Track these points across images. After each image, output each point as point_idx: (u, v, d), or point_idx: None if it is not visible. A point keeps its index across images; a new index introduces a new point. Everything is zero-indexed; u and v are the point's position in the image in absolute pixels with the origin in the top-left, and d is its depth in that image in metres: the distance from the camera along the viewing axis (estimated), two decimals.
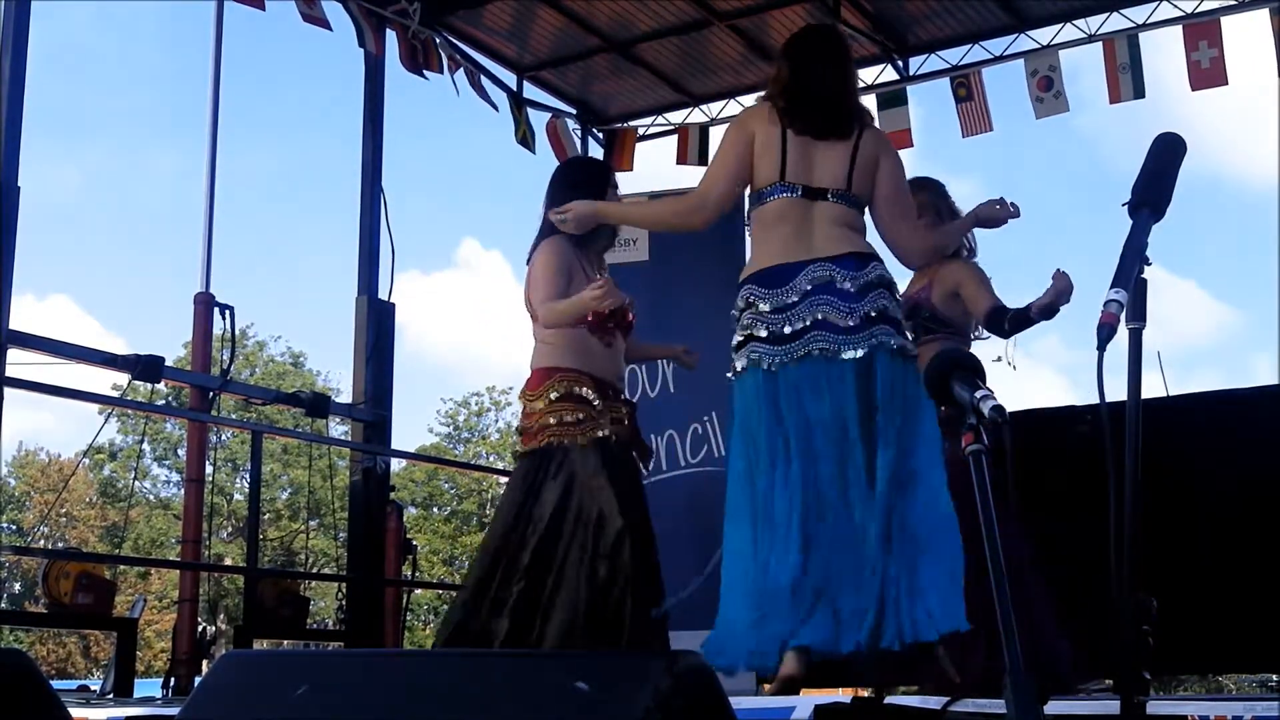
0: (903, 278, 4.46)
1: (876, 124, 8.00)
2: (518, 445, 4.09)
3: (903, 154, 7.51)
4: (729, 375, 3.38)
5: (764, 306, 3.29)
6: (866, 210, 3.48)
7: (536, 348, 4.05)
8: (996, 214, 3.83)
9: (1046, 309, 3.86)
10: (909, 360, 3.33)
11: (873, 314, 3.27)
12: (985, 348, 4.31)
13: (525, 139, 7.79)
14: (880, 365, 3.25)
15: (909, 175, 4.17)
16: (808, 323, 3.25)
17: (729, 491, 3.35)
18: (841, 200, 3.37)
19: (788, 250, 3.32)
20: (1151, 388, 3.79)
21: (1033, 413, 5.28)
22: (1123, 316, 1.89)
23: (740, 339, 3.35)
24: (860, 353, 3.23)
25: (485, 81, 7.56)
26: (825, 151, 3.38)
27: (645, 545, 3.87)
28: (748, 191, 3.48)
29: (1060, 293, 3.84)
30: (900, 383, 3.26)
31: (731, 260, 6.42)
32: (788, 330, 3.25)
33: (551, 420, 3.89)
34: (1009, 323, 3.99)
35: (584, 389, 3.92)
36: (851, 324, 3.25)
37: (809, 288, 3.27)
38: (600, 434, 3.89)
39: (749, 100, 7.95)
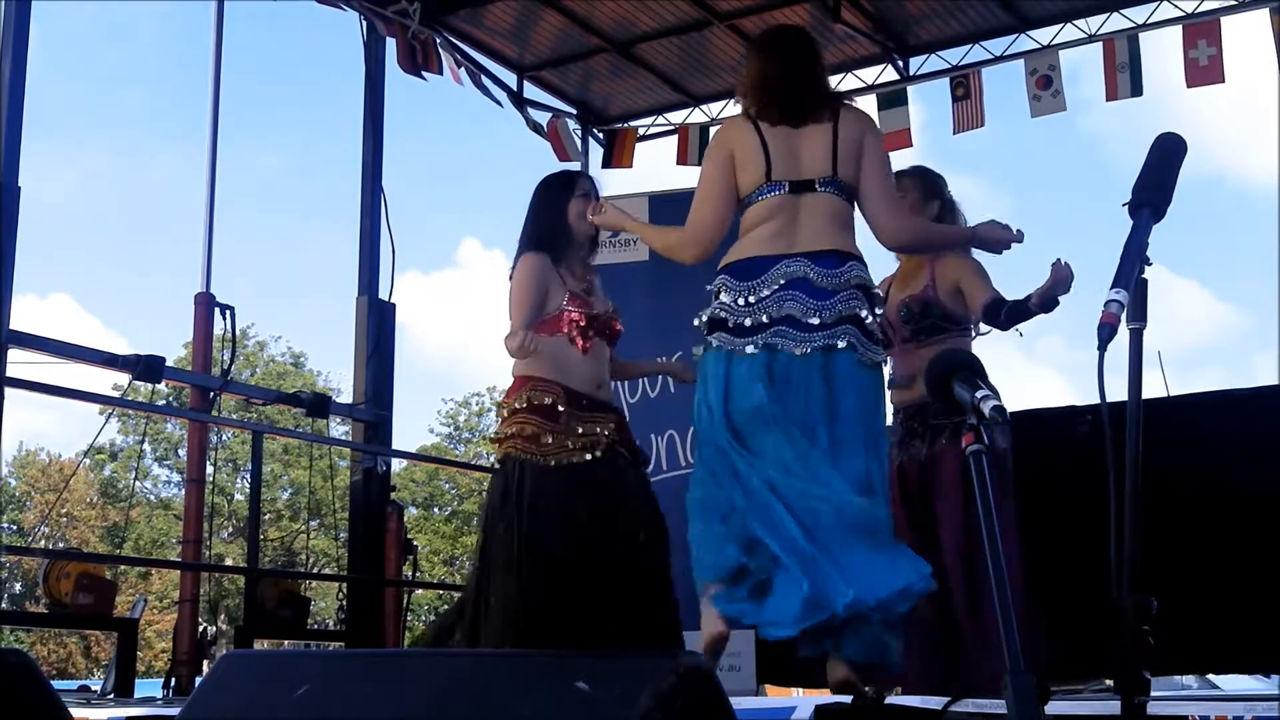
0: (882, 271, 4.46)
1: (877, 124, 8.03)
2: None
3: (902, 154, 7.41)
4: (695, 352, 3.41)
5: (727, 298, 3.31)
6: (855, 202, 3.47)
7: None
8: (999, 236, 3.66)
9: (1045, 299, 3.79)
10: (870, 367, 3.31)
11: (842, 314, 3.26)
12: None
13: (537, 127, 7.88)
14: (840, 366, 3.25)
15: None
16: (773, 317, 3.25)
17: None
18: (829, 188, 3.36)
19: (770, 244, 3.32)
20: (1152, 388, 3.78)
21: (1033, 413, 5.26)
22: (1123, 317, 1.89)
23: (707, 322, 3.35)
24: (815, 349, 3.23)
25: (485, 81, 7.58)
26: (807, 140, 3.37)
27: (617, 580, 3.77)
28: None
29: (1058, 283, 3.76)
30: (856, 386, 3.26)
31: None
32: (749, 323, 3.26)
33: (510, 430, 3.83)
34: (1006, 315, 3.93)
35: (553, 399, 3.83)
36: (815, 322, 3.24)
37: (781, 283, 3.27)
38: (568, 459, 3.79)
39: None
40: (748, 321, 3.27)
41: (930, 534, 3.94)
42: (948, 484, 3.92)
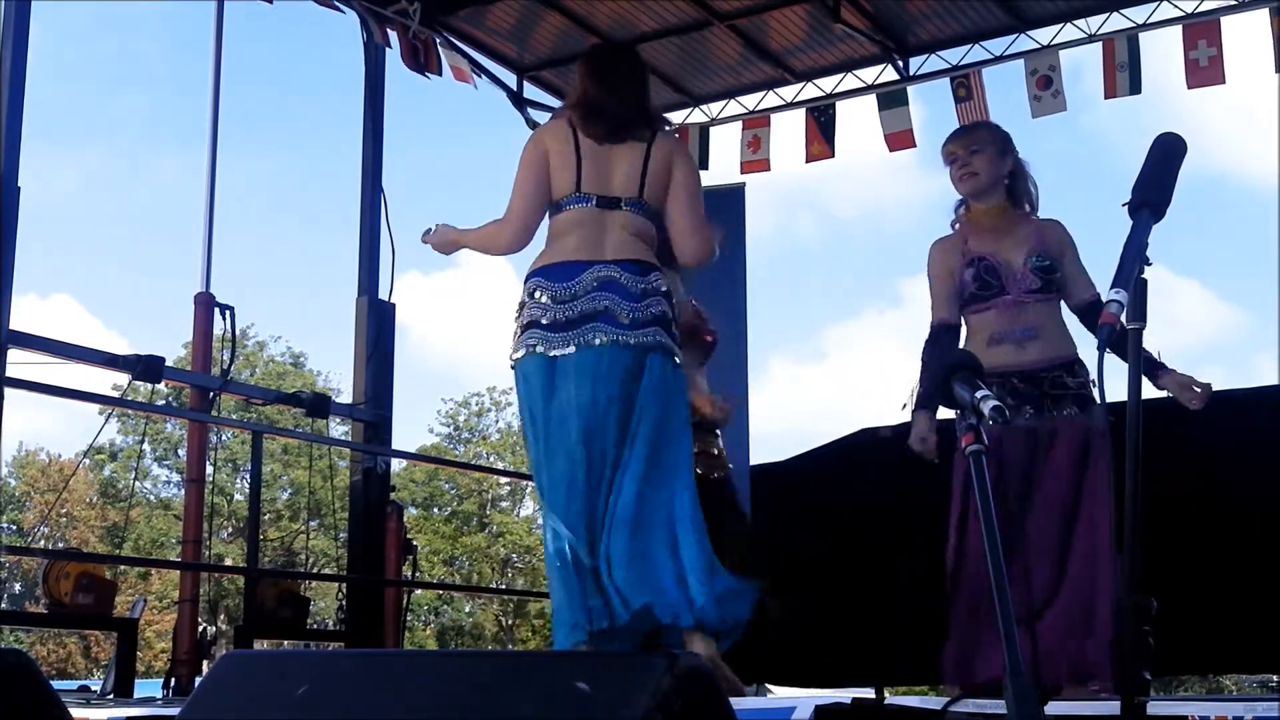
0: None
1: (878, 126, 8.01)
2: None
3: (904, 154, 7.39)
4: (510, 362, 3.53)
5: (546, 298, 3.46)
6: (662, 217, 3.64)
7: None
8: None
9: (1164, 385, 3.74)
10: (677, 366, 3.52)
11: (652, 315, 3.46)
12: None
13: (535, 125, 7.90)
14: (652, 362, 3.44)
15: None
16: (590, 310, 3.42)
17: (535, 480, 3.57)
18: (633, 208, 3.54)
19: (579, 251, 3.50)
20: (1152, 388, 3.75)
21: None
22: (1123, 316, 1.90)
23: (521, 326, 3.50)
24: (634, 342, 3.42)
25: (486, 81, 7.59)
26: (619, 160, 3.53)
27: None
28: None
29: (1187, 394, 3.72)
30: (666, 384, 3.46)
31: (734, 255, 6.44)
32: (564, 318, 3.43)
33: None
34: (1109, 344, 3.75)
35: None
36: (626, 321, 3.43)
37: (595, 284, 3.44)
38: None
39: (749, 100, 7.97)
40: (563, 316, 3.43)
41: (1019, 509, 3.70)
42: (1062, 459, 3.71)
